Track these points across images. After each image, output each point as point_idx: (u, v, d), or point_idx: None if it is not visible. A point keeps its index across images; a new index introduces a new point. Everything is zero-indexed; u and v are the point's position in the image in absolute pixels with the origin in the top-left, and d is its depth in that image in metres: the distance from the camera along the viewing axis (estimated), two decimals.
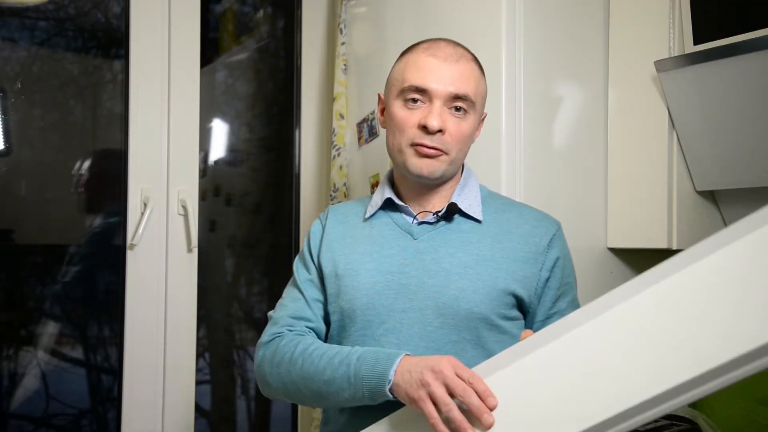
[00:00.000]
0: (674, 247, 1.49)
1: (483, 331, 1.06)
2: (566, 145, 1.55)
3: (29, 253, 1.73)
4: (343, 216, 1.21)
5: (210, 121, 1.99)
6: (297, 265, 1.21)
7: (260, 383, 1.12)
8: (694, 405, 1.55)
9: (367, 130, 1.72)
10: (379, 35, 1.72)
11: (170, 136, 1.76)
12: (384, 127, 1.18)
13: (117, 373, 1.74)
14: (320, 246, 1.17)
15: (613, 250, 1.61)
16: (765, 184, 1.41)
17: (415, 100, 1.08)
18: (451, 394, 0.87)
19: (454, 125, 1.09)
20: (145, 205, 1.69)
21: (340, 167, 1.80)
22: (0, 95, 1.63)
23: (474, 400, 0.85)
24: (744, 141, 1.39)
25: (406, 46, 1.17)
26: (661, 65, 1.45)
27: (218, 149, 2.04)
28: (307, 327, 1.12)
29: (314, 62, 2.07)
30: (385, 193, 1.17)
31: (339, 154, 1.80)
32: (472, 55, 1.14)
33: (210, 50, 2.02)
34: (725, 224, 1.56)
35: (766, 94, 1.32)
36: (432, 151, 1.08)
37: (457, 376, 0.87)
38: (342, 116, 1.82)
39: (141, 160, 1.72)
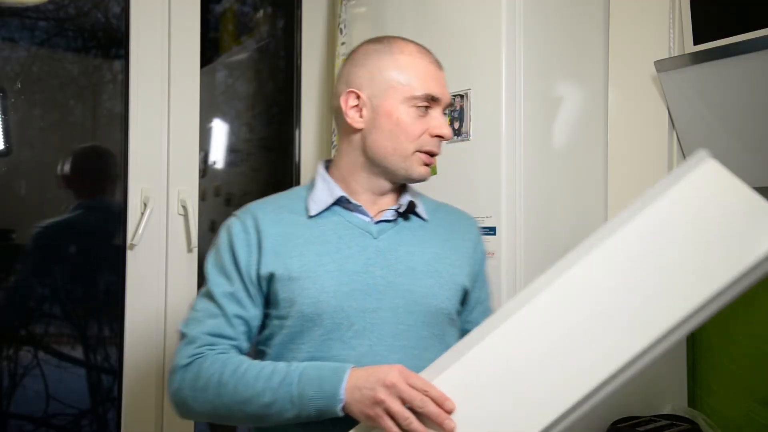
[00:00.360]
0: None
1: (446, 326, 1.08)
2: (566, 145, 1.55)
3: (29, 253, 1.73)
4: (274, 215, 1.09)
5: (210, 121, 2.00)
6: (213, 274, 1.07)
7: (178, 409, 1.04)
8: (694, 405, 1.55)
9: None
10: (379, 35, 1.72)
11: (170, 136, 1.76)
12: (359, 127, 1.08)
13: (117, 373, 1.74)
14: (259, 251, 1.05)
15: None
16: (765, 184, 1.41)
17: (426, 107, 1.07)
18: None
19: None
20: (145, 205, 1.69)
21: None
22: (0, 95, 1.63)
23: (432, 409, 0.85)
24: (744, 141, 1.39)
25: (401, 45, 1.11)
26: (661, 65, 1.45)
27: (218, 149, 2.04)
28: (229, 345, 1.03)
29: (314, 62, 2.07)
30: (334, 191, 1.10)
31: None
32: None
33: (210, 50, 2.02)
34: None
35: (766, 94, 1.32)
36: (434, 159, 1.11)
37: (410, 386, 0.87)
38: None
39: (141, 160, 1.72)
